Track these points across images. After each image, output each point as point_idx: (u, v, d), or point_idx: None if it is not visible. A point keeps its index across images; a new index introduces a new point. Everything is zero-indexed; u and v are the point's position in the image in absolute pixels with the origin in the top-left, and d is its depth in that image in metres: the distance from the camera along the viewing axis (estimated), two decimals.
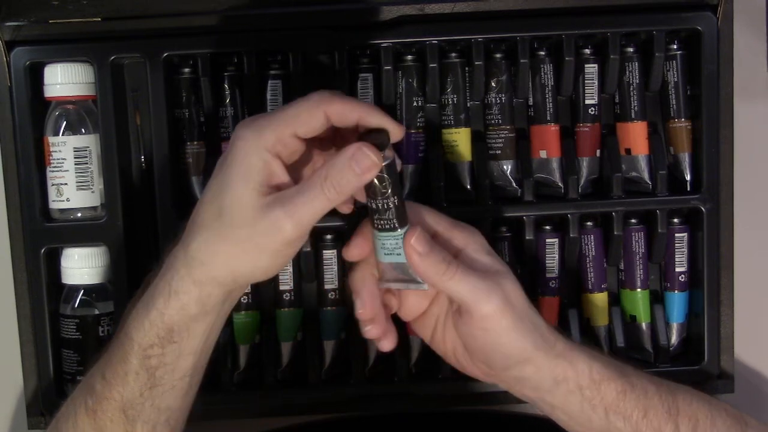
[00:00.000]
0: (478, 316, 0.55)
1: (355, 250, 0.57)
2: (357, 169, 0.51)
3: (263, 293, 0.72)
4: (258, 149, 0.51)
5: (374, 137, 0.52)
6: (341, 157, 0.51)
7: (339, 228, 0.70)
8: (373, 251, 0.57)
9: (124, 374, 0.54)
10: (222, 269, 0.52)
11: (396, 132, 0.53)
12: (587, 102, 0.71)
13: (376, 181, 0.52)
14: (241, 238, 0.51)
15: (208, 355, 0.57)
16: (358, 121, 0.53)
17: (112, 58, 0.68)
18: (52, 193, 0.69)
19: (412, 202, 0.57)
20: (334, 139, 0.56)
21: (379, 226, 0.54)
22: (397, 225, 0.54)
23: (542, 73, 0.71)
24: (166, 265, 0.54)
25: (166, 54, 0.68)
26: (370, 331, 0.58)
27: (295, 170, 0.55)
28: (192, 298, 0.53)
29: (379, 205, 0.53)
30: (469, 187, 0.71)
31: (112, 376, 0.55)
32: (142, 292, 0.56)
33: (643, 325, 0.73)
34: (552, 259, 0.72)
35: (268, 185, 0.52)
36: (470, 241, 0.58)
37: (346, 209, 0.57)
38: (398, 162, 0.54)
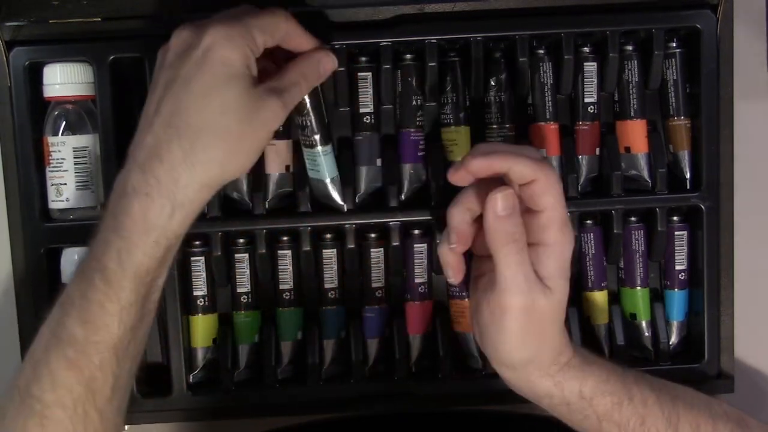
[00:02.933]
0: (497, 302, 0.56)
1: (458, 175, 0.58)
2: (322, 70, 0.60)
3: (263, 293, 0.72)
4: (242, 47, 0.53)
5: None
6: (312, 59, 0.59)
7: (339, 227, 0.70)
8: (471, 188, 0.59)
9: (116, 311, 0.51)
10: (229, 166, 0.53)
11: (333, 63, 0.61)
12: (586, 100, 0.71)
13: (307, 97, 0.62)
14: (245, 131, 0.53)
15: None
16: (298, 47, 0.59)
17: (112, 57, 0.68)
18: (51, 193, 0.69)
19: (550, 170, 0.57)
20: None
21: (304, 143, 0.64)
22: (318, 141, 0.64)
23: (541, 72, 0.71)
24: (149, 184, 0.52)
25: None
26: (456, 248, 0.59)
27: None
28: (196, 206, 0.53)
29: (303, 121, 0.64)
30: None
31: (99, 318, 0.51)
32: (102, 228, 0.53)
33: (643, 324, 0.73)
34: None
35: (253, 78, 0.54)
36: (557, 248, 0.57)
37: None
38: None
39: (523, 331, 0.56)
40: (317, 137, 0.65)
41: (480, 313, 0.58)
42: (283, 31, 0.57)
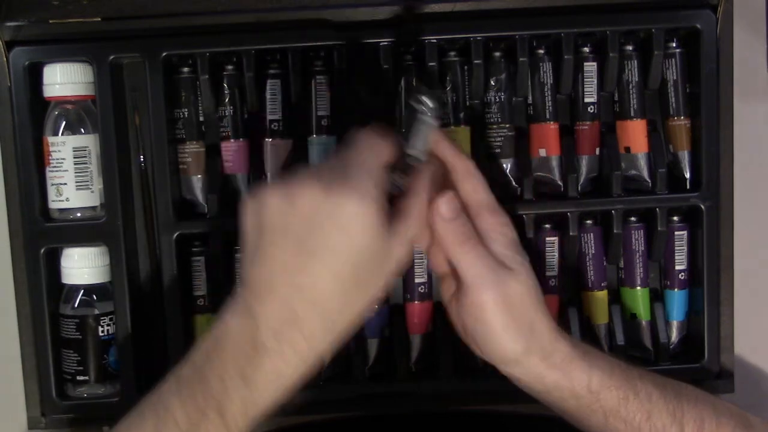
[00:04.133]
0: (472, 301, 0.56)
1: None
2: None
3: None
4: (379, 200, 0.51)
5: None
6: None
7: None
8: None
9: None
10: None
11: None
12: (586, 100, 0.71)
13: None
14: (380, 279, 0.53)
15: None
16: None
17: (112, 57, 0.68)
18: (51, 193, 0.69)
19: (466, 159, 0.57)
20: None
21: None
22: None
23: (541, 72, 0.71)
24: (278, 348, 0.51)
25: (165, 54, 0.68)
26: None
27: None
28: (299, 376, 0.52)
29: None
30: None
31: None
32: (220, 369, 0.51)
33: (643, 323, 0.73)
34: (552, 258, 0.72)
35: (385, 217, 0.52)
36: (497, 229, 0.58)
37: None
38: None
39: (507, 320, 0.56)
40: None
41: (466, 324, 0.58)
42: (386, 150, 0.54)
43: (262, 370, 0.51)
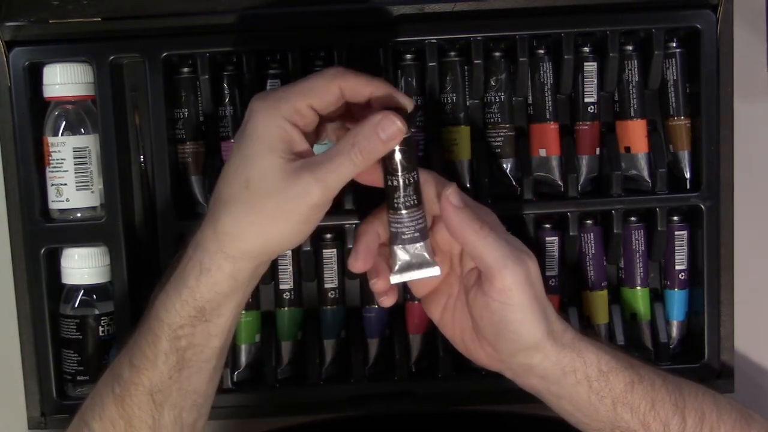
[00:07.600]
0: (500, 287, 0.55)
1: (359, 263, 0.56)
2: (383, 135, 0.52)
3: (263, 293, 0.73)
4: (275, 118, 0.52)
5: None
6: (368, 124, 0.52)
7: (339, 227, 0.70)
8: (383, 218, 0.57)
9: (153, 357, 0.54)
10: (253, 241, 0.53)
11: (407, 104, 0.54)
12: (586, 100, 0.71)
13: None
14: (270, 206, 0.52)
15: (231, 337, 0.57)
16: (370, 96, 0.53)
17: (112, 57, 0.68)
18: (51, 193, 0.69)
19: (436, 174, 0.57)
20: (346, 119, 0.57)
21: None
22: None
23: (541, 72, 0.71)
24: (193, 246, 0.54)
25: (165, 54, 0.68)
26: (375, 284, 0.57)
27: (311, 141, 0.56)
28: (224, 274, 0.53)
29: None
30: (468, 185, 0.71)
31: (140, 361, 0.55)
32: (167, 278, 0.56)
33: (643, 323, 0.73)
34: (552, 258, 0.72)
35: (291, 152, 0.52)
36: (489, 218, 0.58)
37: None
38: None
39: (532, 300, 0.55)
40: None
41: (484, 317, 0.56)
42: (335, 88, 0.53)
43: (175, 270, 0.55)
